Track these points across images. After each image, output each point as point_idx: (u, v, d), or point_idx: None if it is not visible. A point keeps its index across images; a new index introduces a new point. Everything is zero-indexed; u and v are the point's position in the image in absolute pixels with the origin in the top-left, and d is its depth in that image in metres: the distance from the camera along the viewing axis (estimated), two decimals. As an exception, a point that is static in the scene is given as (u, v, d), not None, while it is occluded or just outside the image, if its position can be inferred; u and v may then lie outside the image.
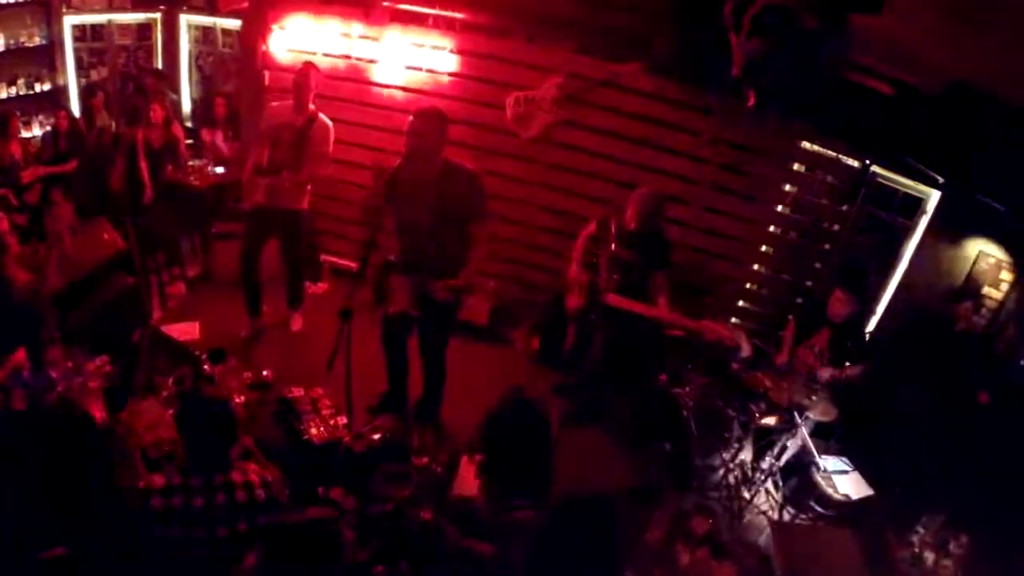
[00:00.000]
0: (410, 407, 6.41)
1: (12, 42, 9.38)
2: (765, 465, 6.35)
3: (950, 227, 7.77)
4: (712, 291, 8.25)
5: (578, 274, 6.36)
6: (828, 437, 6.69)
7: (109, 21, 10.30)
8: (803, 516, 6.23)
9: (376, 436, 5.22)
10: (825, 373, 6.29)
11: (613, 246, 6.10)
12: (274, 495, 3.71)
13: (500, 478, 3.52)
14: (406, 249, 5.43)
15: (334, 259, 8.93)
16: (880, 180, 7.84)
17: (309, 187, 7.06)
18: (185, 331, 7.01)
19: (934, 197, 7.75)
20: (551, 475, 3.53)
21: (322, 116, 6.80)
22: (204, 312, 7.54)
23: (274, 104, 7.01)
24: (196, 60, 10.85)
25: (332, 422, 5.59)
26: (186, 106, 10.85)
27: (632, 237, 6.22)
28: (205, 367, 5.92)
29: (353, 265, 8.38)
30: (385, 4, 8.18)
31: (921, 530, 5.98)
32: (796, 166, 7.97)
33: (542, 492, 3.46)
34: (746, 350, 6.70)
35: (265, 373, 6.20)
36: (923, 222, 7.87)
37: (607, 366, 6.39)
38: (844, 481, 6.22)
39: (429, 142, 5.16)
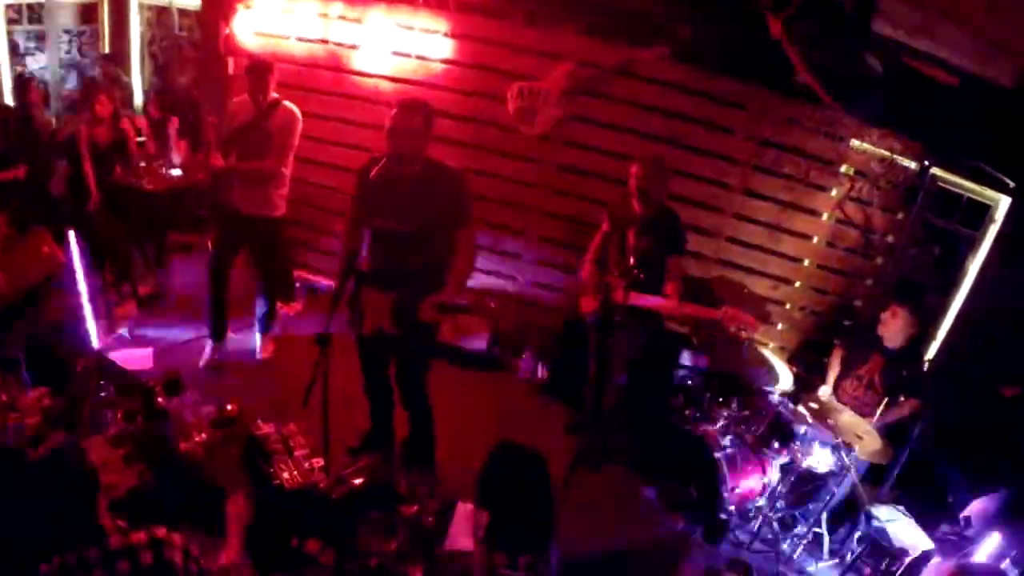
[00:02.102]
0: (397, 447, 6.35)
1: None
2: (809, 514, 6.35)
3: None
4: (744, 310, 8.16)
5: (590, 274, 6.56)
6: (881, 482, 6.68)
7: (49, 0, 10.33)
8: (852, 573, 6.19)
9: (358, 480, 5.23)
10: (876, 415, 6.28)
11: (623, 236, 6.31)
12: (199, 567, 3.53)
13: (497, 534, 3.55)
14: (380, 260, 5.47)
15: (309, 275, 8.98)
16: (941, 184, 7.79)
17: (284, 191, 7.07)
18: (136, 359, 7.03)
19: (1004, 204, 7.69)
20: (553, 529, 3.56)
21: (287, 104, 6.82)
22: (159, 336, 7.59)
23: (235, 99, 7.00)
24: (149, 46, 10.90)
25: (307, 464, 5.59)
26: (138, 98, 10.89)
27: (639, 221, 6.35)
28: (159, 400, 5.88)
29: (331, 283, 8.44)
30: (368, -21, 8.23)
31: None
32: (843, 168, 7.93)
33: (544, 548, 3.48)
34: (786, 381, 6.72)
35: (229, 407, 6.17)
36: (991, 232, 7.82)
37: (630, 386, 6.57)
38: (900, 532, 6.17)
39: (413, 139, 5.17)
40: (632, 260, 6.16)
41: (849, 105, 7.26)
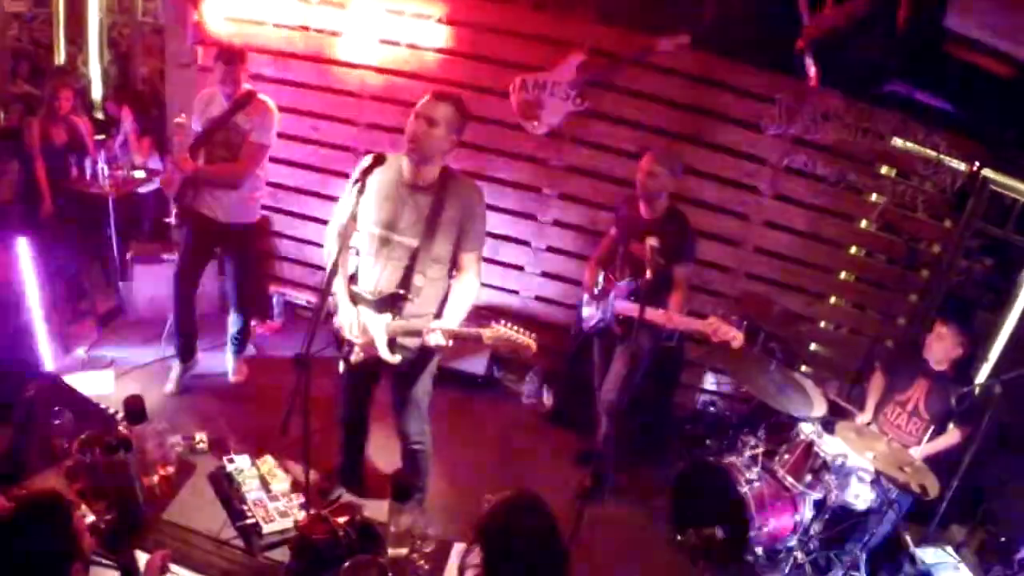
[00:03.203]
0: (370, 481, 6.36)
1: None
2: (846, 555, 6.34)
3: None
4: (771, 331, 8.08)
5: (591, 278, 6.61)
6: (927, 519, 6.67)
7: (-4, -19, 10.34)
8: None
9: (342, 519, 5.19)
10: (920, 446, 6.28)
11: (627, 241, 6.34)
12: None
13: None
14: (375, 277, 5.29)
15: (287, 290, 8.97)
16: (994, 188, 7.80)
17: (259, 195, 7.08)
18: (94, 382, 7.02)
19: (1064, 210, 7.71)
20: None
21: (261, 97, 6.79)
22: (119, 358, 7.58)
23: (204, 92, 6.95)
24: (109, 33, 10.92)
25: (285, 501, 5.64)
26: (96, 92, 10.91)
27: (646, 225, 6.30)
28: (120, 429, 5.88)
29: (312, 298, 8.52)
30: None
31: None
32: (884, 170, 7.99)
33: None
34: (820, 407, 6.71)
35: (199, 437, 6.23)
36: (1050, 242, 7.83)
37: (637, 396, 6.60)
38: (948, 577, 6.19)
39: (437, 137, 4.97)
40: (628, 269, 6.30)
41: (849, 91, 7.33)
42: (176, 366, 7.33)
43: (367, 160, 4.89)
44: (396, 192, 5.12)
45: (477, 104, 7.91)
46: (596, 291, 6.63)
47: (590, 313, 6.68)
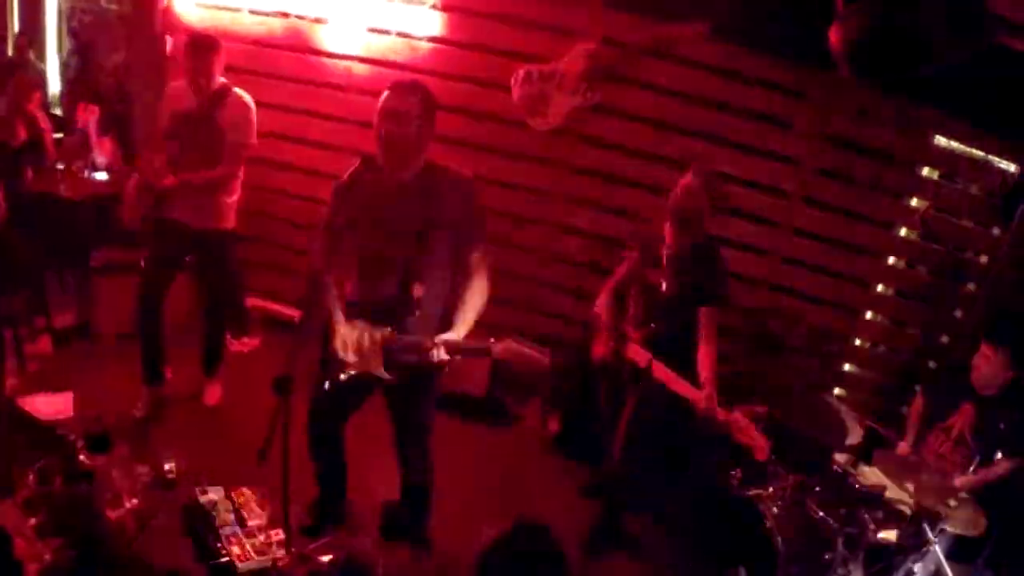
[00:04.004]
0: (379, 515, 6.30)
1: None
2: (884, 598, 6.34)
3: None
4: (803, 348, 8.11)
5: (605, 310, 6.40)
6: (973, 558, 6.67)
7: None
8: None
9: (326, 558, 5.20)
10: (965, 476, 6.26)
11: (646, 272, 6.17)
12: None
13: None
14: (370, 289, 5.28)
15: (266, 304, 9.01)
16: (1048, 190, 7.78)
17: (236, 197, 7.06)
18: (53, 405, 6.98)
19: None
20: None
21: (237, 91, 6.78)
22: (80, 378, 7.51)
23: (175, 83, 6.90)
24: (69, 21, 10.94)
25: (263, 537, 5.61)
26: (54, 86, 10.93)
27: (672, 258, 6.06)
28: (81, 457, 5.86)
29: (293, 313, 8.52)
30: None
31: None
32: (926, 172, 8.02)
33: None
34: (855, 435, 6.72)
35: (168, 467, 6.22)
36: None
37: (646, 448, 6.42)
38: (997, 623, 6.19)
39: (410, 133, 4.86)
40: (644, 302, 6.18)
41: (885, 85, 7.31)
42: (143, 388, 7.25)
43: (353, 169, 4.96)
44: (382, 196, 5.08)
45: (476, 99, 8.15)
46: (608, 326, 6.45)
47: (599, 352, 6.41)
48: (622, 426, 6.34)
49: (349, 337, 5.08)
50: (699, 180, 5.89)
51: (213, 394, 7.63)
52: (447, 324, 5.13)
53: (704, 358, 5.85)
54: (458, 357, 5.01)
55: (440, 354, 4.92)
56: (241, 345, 8.59)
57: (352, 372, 5.20)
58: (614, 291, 6.46)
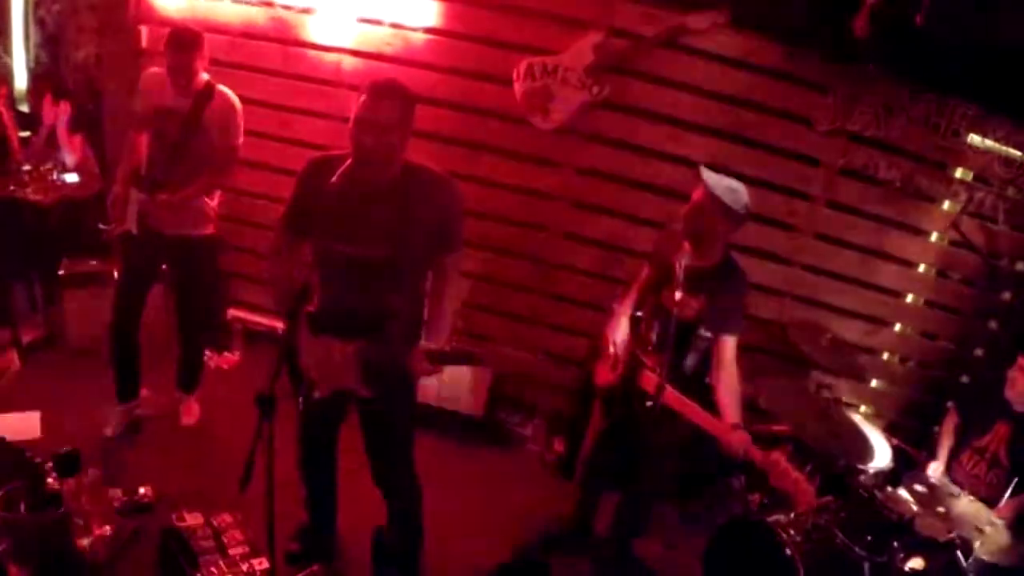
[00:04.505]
0: (347, 542, 6.28)
1: None
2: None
3: None
4: (826, 363, 7.93)
5: (617, 334, 6.22)
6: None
7: None
8: None
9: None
10: (1006, 503, 6.21)
11: (660, 291, 6.00)
12: None
13: None
14: (342, 298, 5.17)
15: (248, 316, 8.95)
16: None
17: (214, 203, 7.00)
18: (19, 425, 6.92)
19: None
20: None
21: (222, 89, 6.70)
22: (48, 396, 7.44)
23: (153, 71, 6.81)
24: (35, 11, 10.89)
25: (245, 567, 5.57)
26: (20, 81, 10.87)
27: (691, 276, 5.60)
28: (49, 480, 5.80)
29: (277, 326, 8.42)
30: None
31: None
32: (959, 173, 7.97)
33: None
34: (883, 456, 6.67)
35: (143, 491, 6.20)
36: None
37: (660, 475, 6.36)
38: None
39: (391, 143, 4.83)
40: (657, 324, 5.99)
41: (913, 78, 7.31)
42: (117, 408, 7.21)
43: (316, 161, 4.98)
44: (357, 198, 4.97)
45: (474, 94, 8.15)
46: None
47: (604, 378, 6.32)
48: (587, 446, 6.50)
49: (317, 354, 5.08)
50: (706, 191, 5.63)
51: (191, 413, 7.59)
52: (420, 332, 5.20)
53: (724, 387, 5.70)
54: (442, 366, 4.98)
55: (423, 364, 4.93)
56: (222, 360, 8.57)
57: (324, 390, 5.16)
58: (626, 313, 6.30)
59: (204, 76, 6.63)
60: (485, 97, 8.16)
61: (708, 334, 5.81)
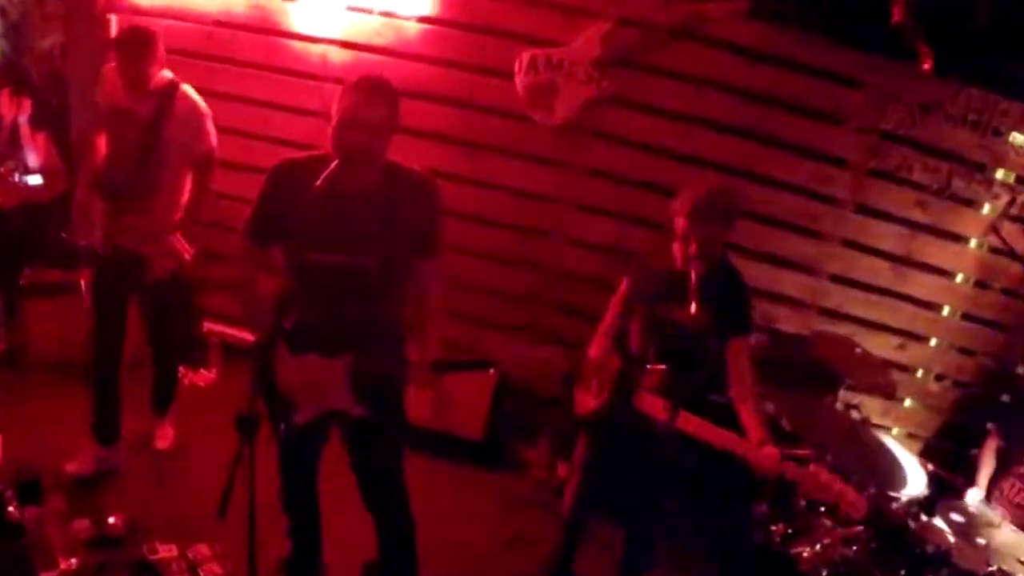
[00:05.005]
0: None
1: None
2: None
3: None
4: (856, 381, 7.86)
5: (602, 356, 6.02)
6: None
7: None
8: None
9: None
10: None
11: (654, 307, 5.79)
12: None
13: None
14: (323, 310, 5.08)
15: (225, 330, 8.91)
16: None
17: (182, 212, 6.83)
18: (-25, 450, 6.89)
19: None
20: None
21: (185, 91, 6.56)
22: (9, 416, 7.28)
23: (112, 67, 6.58)
24: (-6, -2, 10.89)
25: (224, 603, 5.54)
26: (-20, 74, 10.85)
27: (687, 285, 5.45)
28: (10, 509, 5.74)
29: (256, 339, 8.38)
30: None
31: None
32: (1001, 174, 7.93)
33: None
34: (917, 482, 6.62)
35: (112, 520, 6.12)
36: None
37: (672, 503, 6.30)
38: None
39: (377, 144, 4.80)
40: (657, 343, 5.75)
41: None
42: (93, 449, 7.00)
43: (288, 163, 4.92)
44: (336, 201, 4.87)
45: (472, 89, 8.13)
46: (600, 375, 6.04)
47: (587, 406, 6.09)
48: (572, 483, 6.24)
49: (299, 374, 5.02)
50: (705, 188, 5.51)
51: (165, 436, 7.50)
52: (399, 347, 5.17)
53: (746, 400, 5.56)
54: (441, 376, 4.99)
55: (424, 378, 4.94)
56: (197, 377, 8.54)
57: (308, 413, 5.11)
58: (610, 332, 6.09)
59: (166, 74, 6.52)
60: (484, 92, 8.13)
61: (717, 344, 5.68)
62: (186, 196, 6.83)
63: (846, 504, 5.00)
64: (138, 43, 6.27)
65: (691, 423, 5.35)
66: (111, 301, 6.84)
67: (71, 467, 6.85)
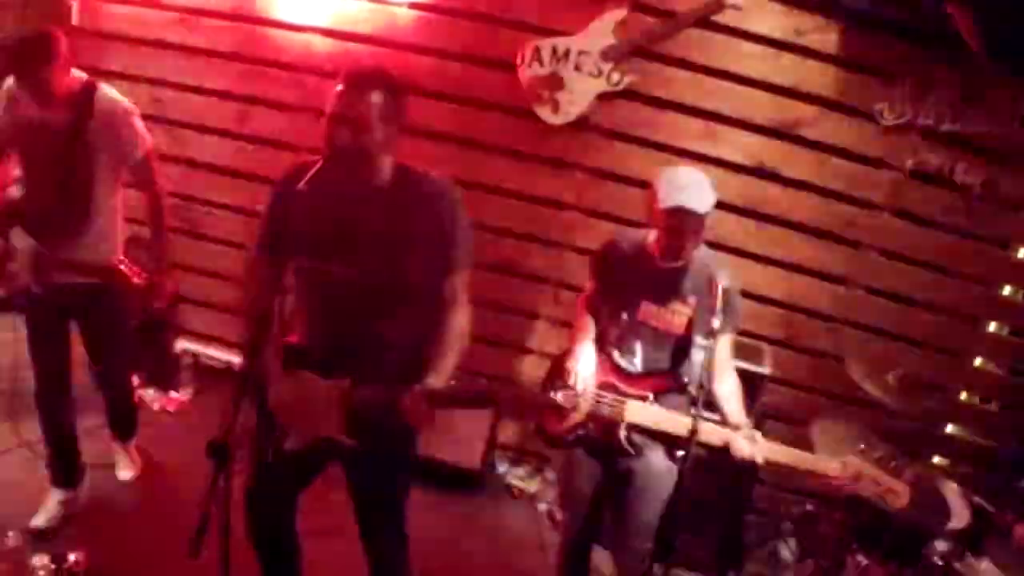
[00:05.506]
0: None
1: None
2: None
3: None
4: (892, 404, 7.68)
5: (581, 369, 5.82)
6: None
7: None
8: None
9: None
10: None
11: (631, 303, 5.74)
12: None
13: None
14: (324, 328, 5.06)
15: (199, 348, 8.85)
16: None
17: (121, 226, 6.61)
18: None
19: None
20: None
21: (105, 92, 6.24)
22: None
23: (12, 81, 6.32)
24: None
25: (196, 652, 5.40)
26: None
27: (672, 277, 5.67)
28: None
29: (234, 359, 8.46)
30: None
31: None
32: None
33: None
34: (961, 517, 6.49)
35: (73, 558, 6.08)
36: None
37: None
38: None
39: (369, 142, 4.68)
40: (641, 347, 5.75)
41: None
42: (53, 494, 6.86)
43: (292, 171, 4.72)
44: (338, 207, 4.84)
45: (471, 83, 8.13)
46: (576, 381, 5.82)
47: (557, 426, 5.91)
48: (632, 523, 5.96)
49: (292, 394, 4.90)
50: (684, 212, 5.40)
51: (130, 464, 7.38)
52: (419, 370, 4.84)
53: (727, 387, 5.65)
54: (442, 408, 4.73)
55: (421, 408, 4.66)
56: (168, 401, 8.48)
57: (299, 439, 4.95)
58: (586, 341, 5.97)
59: (77, 74, 6.19)
60: (483, 86, 8.09)
61: (707, 342, 5.51)
62: (120, 199, 6.57)
63: (892, 494, 5.10)
64: (34, 48, 5.89)
65: (715, 436, 5.32)
66: (48, 342, 6.64)
67: (38, 521, 6.69)
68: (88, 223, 6.25)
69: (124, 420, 7.30)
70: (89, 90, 6.11)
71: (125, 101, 6.28)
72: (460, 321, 4.98)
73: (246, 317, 4.99)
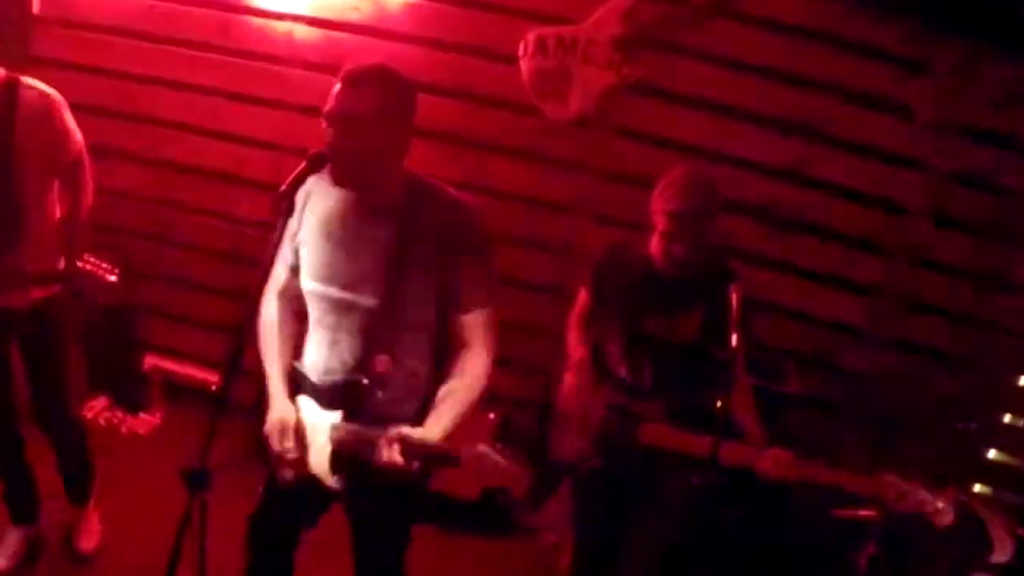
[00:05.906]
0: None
1: None
2: None
3: None
4: (929, 426, 7.92)
5: (583, 388, 5.81)
6: None
7: None
8: None
9: None
10: None
11: (637, 315, 5.63)
12: None
13: None
14: (321, 353, 4.83)
15: (171, 366, 8.68)
16: None
17: (54, 233, 6.31)
18: None
19: None
20: None
21: (29, 84, 5.93)
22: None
23: None
24: None
25: None
26: None
27: (679, 286, 5.60)
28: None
29: (211, 379, 8.22)
30: None
31: None
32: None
33: None
34: (1004, 548, 6.35)
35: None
36: None
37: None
38: None
39: (367, 144, 4.50)
40: (646, 365, 5.62)
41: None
42: (13, 533, 6.75)
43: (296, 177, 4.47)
44: (342, 223, 4.68)
45: (470, 76, 8.07)
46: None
47: (571, 447, 5.90)
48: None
49: (288, 421, 4.72)
50: (686, 172, 5.60)
51: (89, 534, 7.04)
52: (423, 413, 4.69)
53: (742, 405, 5.60)
54: (423, 463, 4.52)
55: (392, 454, 4.42)
56: (137, 423, 8.35)
57: (292, 472, 4.78)
58: (587, 357, 5.90)
59: None
60: (482, 79, 8.01)
61: (721, 354, 5.39)
62: (54, 205, 6.30)
63: (933, 513, 4.93)
64: None
65: (737, 454, 5.23)
66: None
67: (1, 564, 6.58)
68: (23, 232, 5.97)
69: (77, 476, 6.99)
70: (12, 84, 5.80)
71: (54, 93, 5.97)
72: (478, 368, 4.73)
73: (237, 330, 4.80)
